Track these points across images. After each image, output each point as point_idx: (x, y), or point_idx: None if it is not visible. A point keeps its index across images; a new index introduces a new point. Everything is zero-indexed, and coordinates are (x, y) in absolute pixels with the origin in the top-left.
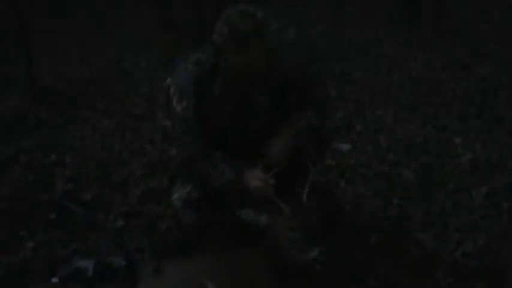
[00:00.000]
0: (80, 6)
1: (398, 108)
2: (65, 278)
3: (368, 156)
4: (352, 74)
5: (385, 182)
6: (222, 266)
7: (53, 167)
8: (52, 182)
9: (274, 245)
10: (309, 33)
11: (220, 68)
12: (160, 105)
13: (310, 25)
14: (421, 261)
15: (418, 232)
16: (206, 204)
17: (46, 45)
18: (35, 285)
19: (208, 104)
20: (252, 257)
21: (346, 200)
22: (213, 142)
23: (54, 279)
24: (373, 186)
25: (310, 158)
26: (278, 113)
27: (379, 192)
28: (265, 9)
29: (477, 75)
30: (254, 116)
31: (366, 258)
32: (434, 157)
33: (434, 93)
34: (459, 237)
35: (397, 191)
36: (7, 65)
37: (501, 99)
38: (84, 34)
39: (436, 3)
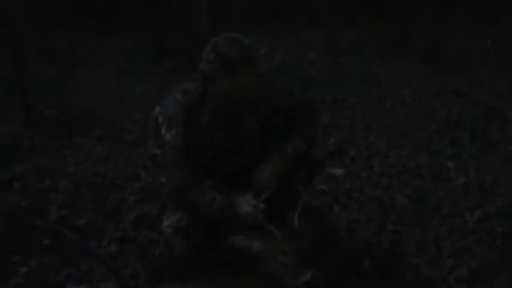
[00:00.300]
0: (73, 36)
1: (392, 134)
2: None
3: (361, 181)
4: (345, 100)
5: (379, 206)
6: None
7: (47, 193)
8: (46, 208)
9: (267, 270)
10: (302, 61)
11: (209, 96)
12: (150, 134)
13: (304, 52)
14: (415, 287)
15: (412, 257)
16: (197, 231)
17: (41, 73)
18: None
19: (197, 132)
20: (245, 283)
21: (340, 224)
22: (203, 169)
23: None
24: (366, 211)
25: (301, 183)
26: (268, 139)
27: (372, 217)
28: (257, 38)
29: (470, 101)
30: (244, 142)
31: (360, 283)
32: (428, 182)
33: (427, 119)
34: (453, 262)
35: (390, 215)
36: (2, 91)
37: (494, 125)
38: (77, 62)
39: (429, 31)
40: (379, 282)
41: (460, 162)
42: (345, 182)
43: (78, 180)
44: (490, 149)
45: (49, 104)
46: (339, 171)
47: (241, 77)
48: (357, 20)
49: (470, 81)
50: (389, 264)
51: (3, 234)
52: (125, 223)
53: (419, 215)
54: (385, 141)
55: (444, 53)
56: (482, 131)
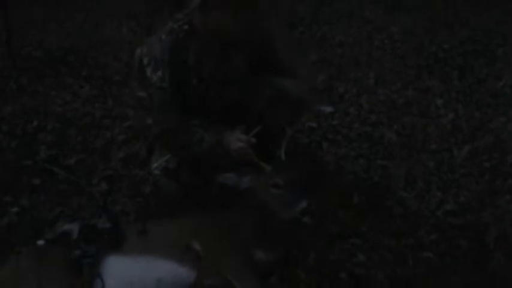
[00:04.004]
0: None
1: (380, 70)
2: (51, 241)
3: (350, 117)
4: (334, 37)
5: (368, 143)
6: (207, 227)
7: (36, 133)
8: (35, 148)
9: (259, 204)
10: None
11: (194, 35)
12: (134, 76)
13: None
14: (404, 220)
15: (401, 192)
16: (185, 172)
17: (24, 15)
18: (21, 248)
19: (184, 73)
20: (237, 217)
21: (329, 161)
22: (190, 109)
23: (40, 243)
24: (355, 147)
25: (286, 121)
26: (255, 76)
27: (361, 153)
28: None
29: (459, 37)
30: (231, 81)
31: (349, 218)
32: (417, 118)
33: (416, 55)
34: (441, 196)
35: (379, 151)
36: None
37: (482, 61)
38: (62, 3)
39: None
40: (368, 216)
41: (448, 98)
42: (334, 119)
43: (66, 120)
44: (479, 84)
45: (35, 46)
46: (328, 108)
47: (224, 11)
48: None
49: (460, 17)
50: (378, 198)
51: None
52: (114, 162)
53: (408, 150)
54: (374, 78)
55: None
56: (471, 67)
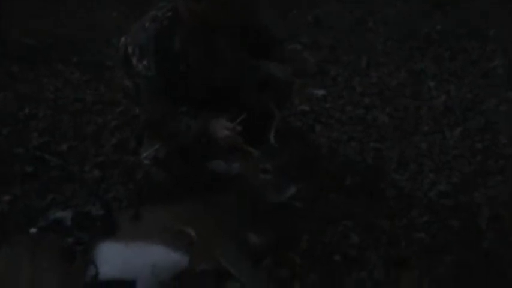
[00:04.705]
0: None
1: (373, 52)
2: (44, 228)
3: (343, 100)
4: (327, 20)
5: (360, 125)
6: (199, 213)
7: (27, 121)
8: (27, 135)
9: (249, 189)
10: None
11: (179, 21)
12: (120, 65)
13: None
14: (396, 202)
15: (394, 174)
16: (175, 161)
17: (14, 1)
18: (14, 236)
19: (170, 60)
20: (228, 202)
21: (322, 143)
22: (178, 98)
23: (33, 230)
24: (348, 130)
25: (274, 104)
26: (241, 62)
27: (354, 136)
28: None
29: (451, 19)
30: (218, 66)
31: (342, 200)
32: (409, 100)
33: (409, 37)
34: (434, 178)
35: (372, 134)
36: None
37: (475, 43)
38: None
39: None
40: (361, 198)
41: (441, 79)
42: (326, 102)
43: (58, 106)
44: (471, 66)
45: (25, 33)
46: (320, 92)
47: None
48: None
49: None
50: (371, 180)
51: None
52: (106, 148)
53: (401, 132)
54: (366, 60)
55: None
56: (463, 48)
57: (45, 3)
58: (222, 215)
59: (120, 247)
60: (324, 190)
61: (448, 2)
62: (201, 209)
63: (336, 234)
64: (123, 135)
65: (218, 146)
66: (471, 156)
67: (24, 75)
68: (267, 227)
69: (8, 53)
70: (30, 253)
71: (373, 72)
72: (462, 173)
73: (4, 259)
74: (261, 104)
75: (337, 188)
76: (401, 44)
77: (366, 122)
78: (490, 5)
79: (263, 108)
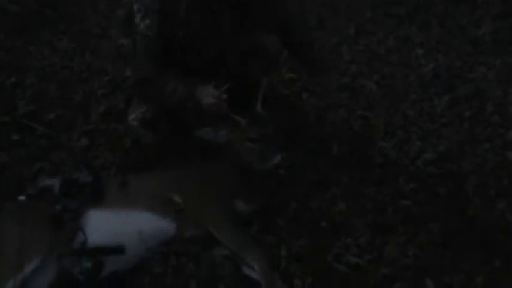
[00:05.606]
0: None
1: (360, 20)
2: (32, 196)
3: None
4: None
5: (348, 93)
6: (186, 180)
7: (14, 89)
8: (13, 104)
9: (236, 157)
10: None
11: None
12: (119, 22)
13: None
14: (383, 170)
15: (381, 141)
16: (163, 123)
17: None
18: (3, 204)
19: (172, 24)
20: (215, 170)
21: (309, 111)
22: (170, 61)
23: (21, 198)
24: (335, 97)
25: (262, 70)
26: (238, 33)
27: (341, 104)
28: None
29: None
30: (215, 36)
31: (329, 168)
32: (397, 67)
33: (396, 4)
34: (421, 145)
35: (359, 102)
36: None
37: (463, 9)
38: None
39: None
40: (348, 166)
41: (429, 47)
42: None
43: (45, 75)
44: (460, 32)
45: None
46: None
47: None
48: None
49: None
50: (358, 148)
51: None
52: (94, 116)
53: (388, 100)
54: (354, 28)
55: None
56: (451, 15)
57: None
58: (209, 182)
59: (108, 214)
60: (311, 157)
61: None
62: (188, 176)
63: (323, 201)
64: (110, 103)
65: (204, 112)
66: (459, 124)
67: (10, 43)
68: (254, 194)
69: None
70: (19, 220)
71: (361, 40)
72: (450, 140)
73: None
74: (249, 72)
75: (325, 156)
76: (389, 11)
77: (353, 89)
78: None
79: (251, 77)
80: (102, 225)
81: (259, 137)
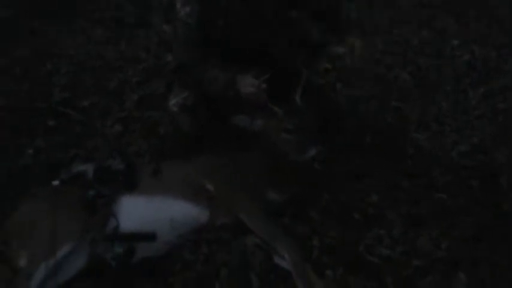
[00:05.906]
0: None
1: (395, 10)
2: (66, 181)
3: (364, 59)
4: None
5: (382, 84)
6: (219, 168)
7: (49, 76)
8: (48, 91)
9: (271, 147)
10: None
11: None
12: (159, 10)
13: None
14: (417, 161)
15: (415, 133)
16: (202, 109)
17: None
18: (37, 188)
19: (212, 13)
20: (249, 159)
21: (343, 102)
22: (211, 49)
23: (55, 183)
24: (369, 88)
25: (303, 62)
26: (280, 23)
27: (375, 95)
28: None
29: None
30: (257, 28)
31: (362, 159)
32: (432, 59)
33: None
34: (455, 137)
35: (393, 92)
36: None
37: (499, 1)
38: None
39: None
40: (381, 157)
41: (464, 38)
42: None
43: (79, 62)
44: (496, 24)
45: None
46: (342, 50)
47: None
48: None
49: None
50: (391, 139)
51: (9, 118)
52: (128, 103)
53: (422, 91)
54: (389, 18)
55: None
56: (488, 6)
57: None
58: (243, 171)
59: (140, 201)
60: (344, 148)
61: None
62: (222, 164)
63: (356, 193)
64: (145, 91)
65: (243, 101)
66: (493, 116)
67: (45, 31)
68: (287, 184)
69: (29, 9)
70: (53, 205)
71: (395, 30)
72: (484, 133)
73: (27, 211)
74: (291, 63)
75: (358, 147)
76: (424, 1)
77: (387, 80)
78: None
79: (292, 67)
80: (135, 211)
81: (296, 128)
